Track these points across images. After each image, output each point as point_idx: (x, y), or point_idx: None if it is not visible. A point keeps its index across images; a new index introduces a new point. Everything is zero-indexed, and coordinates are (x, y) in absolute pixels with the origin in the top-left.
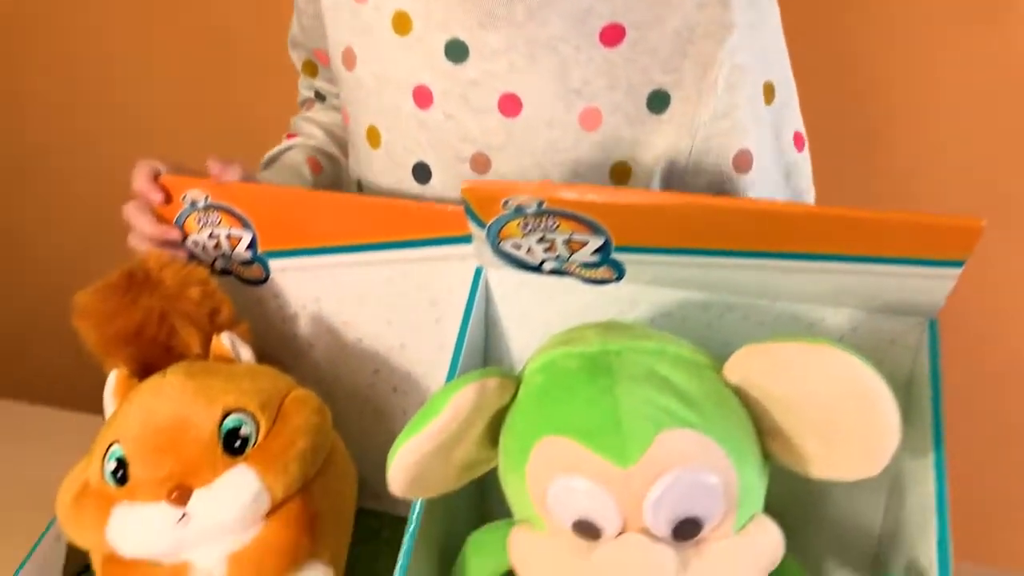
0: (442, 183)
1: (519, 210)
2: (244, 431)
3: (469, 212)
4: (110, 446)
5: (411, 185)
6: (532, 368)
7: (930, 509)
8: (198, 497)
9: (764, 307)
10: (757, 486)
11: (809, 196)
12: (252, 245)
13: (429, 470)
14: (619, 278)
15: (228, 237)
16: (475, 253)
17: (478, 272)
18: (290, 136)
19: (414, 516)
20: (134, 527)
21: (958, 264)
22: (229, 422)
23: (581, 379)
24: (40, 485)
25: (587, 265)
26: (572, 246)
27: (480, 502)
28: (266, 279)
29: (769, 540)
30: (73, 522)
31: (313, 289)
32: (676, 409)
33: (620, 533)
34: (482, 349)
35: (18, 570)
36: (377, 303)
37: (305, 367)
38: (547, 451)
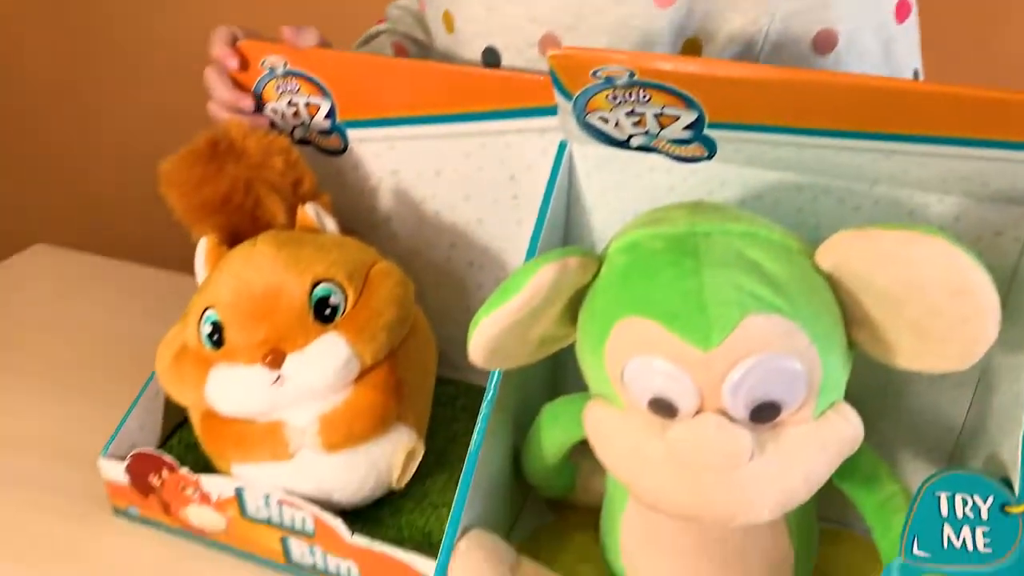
0: (511, 69)
1: (609, 81)
2: (333, 300)
3: (556, 82)
4: (205, 311)
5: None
6: (616, 248)
7: (1021, 406)
8: (292, 361)
9: (861, 191)
10: (840, 375)
11: (910, 72)
12: (331, 114)
13: (508, 343)
14: (710, 156)
15: (307, 105)
16: (560, 126)
17: (562, 146)
18: (380, 22)
19: (492, 385)
20: (232, 387)
21: None
22: (319, 291)
23: (666, 260)
24: (137, 340)
25: (677, 141)
26: (663, 121)
27: (555, 376)
28: (344, 149)
29: (848, 427)
30: (173, 381)
31: (391, 161)
32: (764, 294)
33: (697, 413)
34: (563, 226)
35: (121, 423)
36: (455, 177)
37: (383, 239)
38: (627, 331)
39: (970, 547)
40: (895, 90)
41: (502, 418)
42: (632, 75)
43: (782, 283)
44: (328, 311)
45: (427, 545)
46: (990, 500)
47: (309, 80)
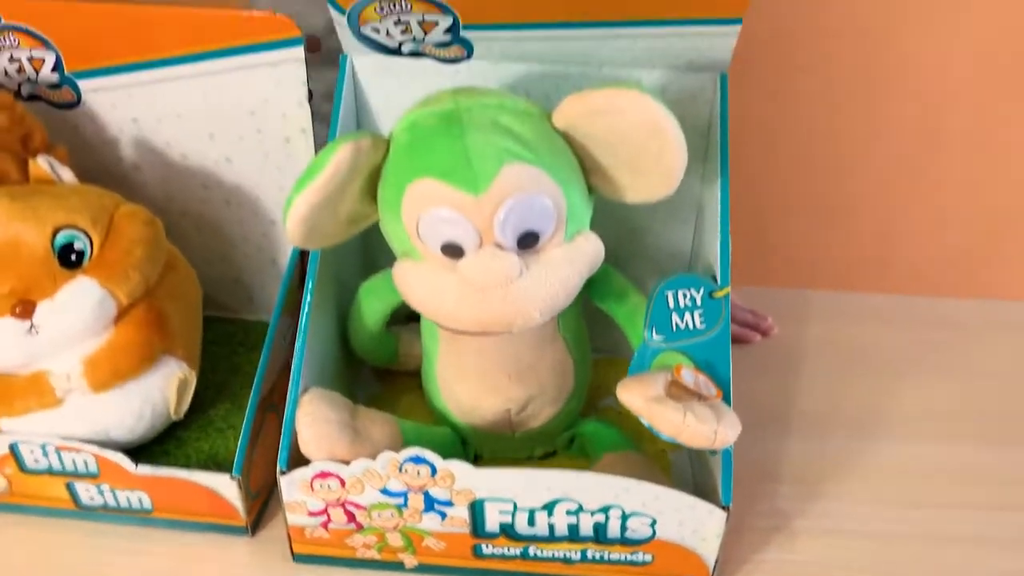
0: None
1: None
2: (78, 246)
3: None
4: None
5: None
6: (399, 128)
7: (716, 218)
8: (43, 309)
9: (592, 74)
10: (582, 209)
11: None
12: (58, 66)
13: (320, 222)
14: (469, 56)
15: (30, 60)
16: (340, 40)
17: (343, 59)
18: None
19: (312, 265)
20: None
21: (736, 22)
22: (61, 238)
23: (438, 131)
24: None
25: (440, 44)
26: (425, 27)
27: (366, 264)
28: (79, 102)
29: (590, 246)
30: None
31: (129, 109)
32: (515, 149)
33: (477, 249)
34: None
35: None
36: (196, 118)
37: (133, 189)
38: (416, 192)
39: (691, 327)
40: None
41: (324, 299)
42: None
43: (529, 140)
44: (74, 257)
45: (214, 465)
46: (702, 290)
47: (28, 33)
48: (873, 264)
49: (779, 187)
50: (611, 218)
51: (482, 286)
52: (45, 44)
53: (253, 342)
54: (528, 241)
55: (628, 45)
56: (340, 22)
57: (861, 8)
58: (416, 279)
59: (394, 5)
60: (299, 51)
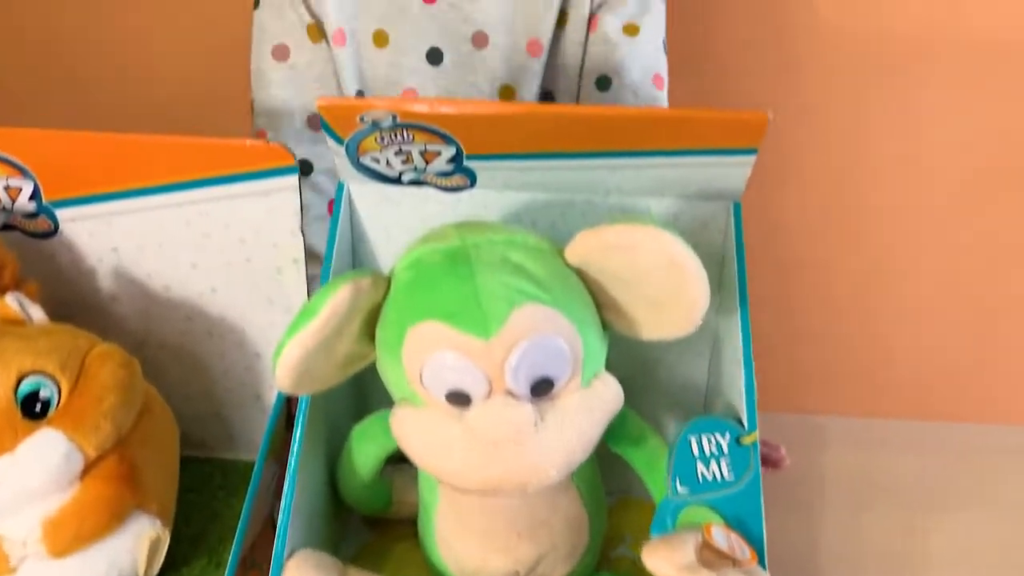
0: (453, 62)
1: (375, 125)
2: (44, 394)
3: (326, 128)
4: None
5: (425, 68)
6: (401, 266)
7: (739, 358)
8: (0, 465)
9: (599, 202)
10: (599, 349)
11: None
12: (35, 195)
13: (314, 366)
14: (472, 184)
15: (6, 188)
16: (337, 168)
17: (340, 187)
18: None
19: (301, 411)
20: None
21: (751, 152)
22: (26, 386)
23: (444, 270)
24: None
25: (442, 174)
26: (427, 157)
27: (359, 405)
28: (56, 231)
29: (610, 392)
30: None
31: (109, 238)
32: (527, 288)
33: (487, 397)
34: (350, 264)
35: None
36: (179, 247)
37: (110, 322)
38: (419, 335)
39: (718, 477)
40: (603, 116)
41: (314, 444)
42: (395, 118)
43: (541, 279)
44: (39, 407)
45: None
46: (728, 436)
47: (6, 162)
48: (876, 386)
49: (784, 310)
50: (622, 350)
51: (493, 440)
52: (23, 173)
53: (233, 485)
54: (542, 388)
55: (636, 175)
56: (338, 152)
57: (861, 138)
58: (417, 429)
59: (395, 136)
60: (293, 179)
